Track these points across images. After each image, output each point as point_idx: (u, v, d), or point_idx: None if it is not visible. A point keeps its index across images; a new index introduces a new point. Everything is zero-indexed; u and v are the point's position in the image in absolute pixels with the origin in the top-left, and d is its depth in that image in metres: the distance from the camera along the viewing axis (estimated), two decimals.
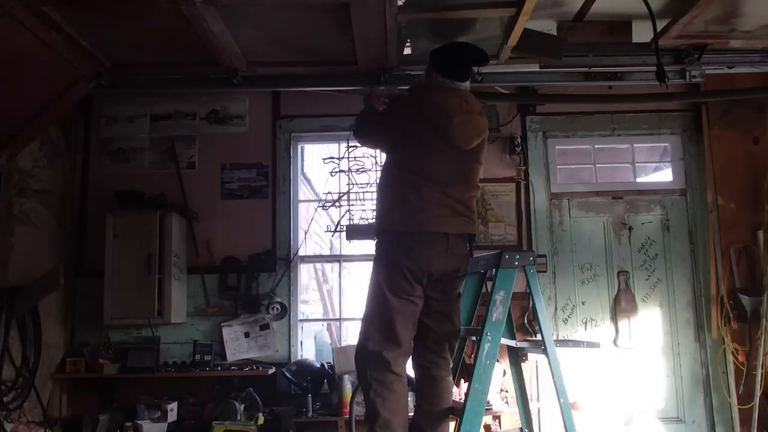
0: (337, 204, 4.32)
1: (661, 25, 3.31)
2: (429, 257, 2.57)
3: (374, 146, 3.31)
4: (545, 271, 4.24)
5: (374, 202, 2.90)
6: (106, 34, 3.29)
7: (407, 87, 3.30)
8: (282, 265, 4.28)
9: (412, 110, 2.67)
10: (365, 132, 2.97)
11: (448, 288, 2.67)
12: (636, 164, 4.57)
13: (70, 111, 4.15)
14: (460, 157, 2.66)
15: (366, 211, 4.23)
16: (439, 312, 2.67)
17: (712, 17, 3.23)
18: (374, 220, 2.84)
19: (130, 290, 3.95)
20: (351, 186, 4.30)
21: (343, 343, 4.43)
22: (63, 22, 3.08)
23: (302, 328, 4.42)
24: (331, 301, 6.31)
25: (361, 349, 2.62)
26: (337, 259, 4.76)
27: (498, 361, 3.28)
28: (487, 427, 3.89)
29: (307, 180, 4.98)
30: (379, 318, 2.59)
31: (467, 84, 2.80)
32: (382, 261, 2.65)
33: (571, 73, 3.83)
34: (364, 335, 2.62)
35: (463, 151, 2.66)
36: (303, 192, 4.65)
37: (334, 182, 4.37)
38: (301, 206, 4.56)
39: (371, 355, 2.57)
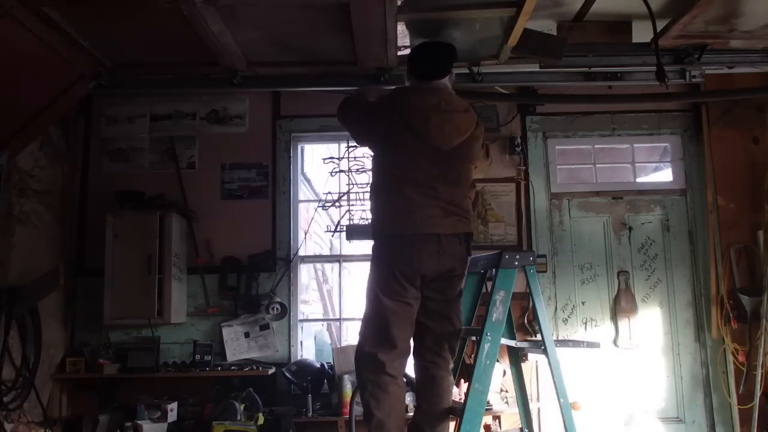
0: (337, 204, 4.32)
1: (661, 25, 3.31)
2: (420, 259, 2.57)
3: (350, 132, 3.07)
4: (545, 271, 4.24)
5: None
6: (106, 34, 3.28)
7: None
8: (282, 265, 4.28)
9: (390, 112, 2.68)
10: (347, 116, 2.95)
11: (446, 288, 2.67)
12: (636, 164, 4.58)
13: (70, 111, 4.15)
14: (445, 157, 2.65)
15: (366, 211, 4.23)
16: (438, 312, 2.67)
17: (712, 17, 3.23)
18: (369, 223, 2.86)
19: (130, 290, 3.94)
20: (351, 186, 4.30)
21: (343, 343, 4.43)
22: (63, 22, 3.07)
23: (302, 328, 4.42)
24: (331, 301, 6.31)
25: (359, 351, 2.66)
26: (337, 259, 4.76)
27: (498, 361, 3.29)
28: (487, 427, 3.89)
29: (307, 180, 4.98)
30: (374, 320, 2.62)
31: (446, 81, 2.79)
32: (375, 264, 2.68)
33: (571, 73, 3.83)
34: (362, 337, 2.66)
35: (447, 151, 2.65)
36: (303, 192, 4.66)
37: (334, 182, 4.38)
38: (301, 206, 4.56)
39: (367, 357, 2.61)
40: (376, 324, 2.61)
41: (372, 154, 2.89)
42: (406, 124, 2.64)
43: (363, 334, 2.66)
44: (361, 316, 2.70)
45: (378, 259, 2.67)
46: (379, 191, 2.74)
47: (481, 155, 2.84)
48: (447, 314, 2.68)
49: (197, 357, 4.07)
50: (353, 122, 2.93)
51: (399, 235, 2.59)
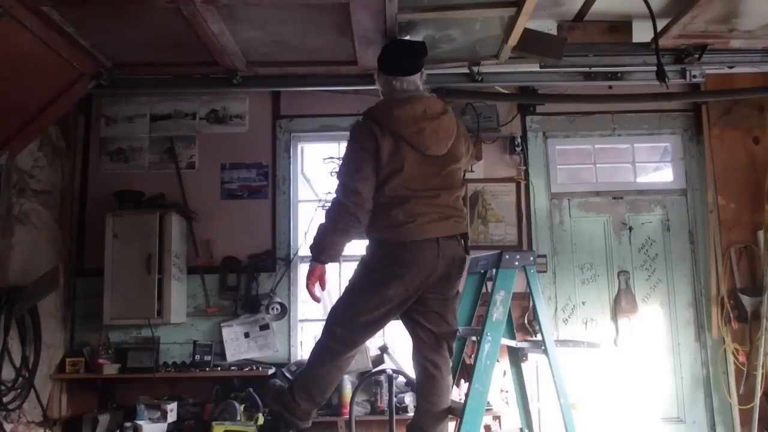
0: None
1: (661, 24, 3.32)
2: (419, 265, 2.55)
3: (371, 193, 2.64)
4: (545, 271, 4.23)
5: None
6: (106, 34, 3.28)
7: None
8: (282, 265, 4.28)
9: (381, 130, 2.58)
10: (341, 180, 2.71)
11: (444, 288, 2.67)
12: (636, 164, 4.57)
13: (69, 111, 4.15)
14: (441, 164, 2.64)
15: None
16: (435, 312, 2.67)
17: (713, 17, 3.24)
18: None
19: (130, 290, 3.94)
20: None
21: None
22: (63, 22, 3.08)
23: (302, 328, 4.42)
24: (331, 301, 6.29)
25: (332, 326, 2.70)
26: None
27: (498, 361, 3.28)
28: (487, 428, 3.89)
29: (307, 180, 4.97)
30: (349, 320, 2.65)
31: (417, 78, 2.71)
32: (367, 267, 2.68)
33: (571, 73, 3.83)
34: (335, 321, 2.70)
35: (441, 157, 2.64)
36: (303, 192, 4.65)
37: (334, 182, 4.36)
38: (301, 206, 4.55)
39: (337, 339, 2.69)
40: (348, 326, 2.65)
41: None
42: (404, 139, 2.58)
43: (338, 319, 2.69)
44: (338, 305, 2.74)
45: (374, 264, 2.66)
46: (375, 209, 2.62)
47: (465, 151, 2.83)
48: (444, 314, 2.68)
49: (197, 357, 4.06)
50: (359, 181, 2.62)
51: (400, 243, 2.56)
